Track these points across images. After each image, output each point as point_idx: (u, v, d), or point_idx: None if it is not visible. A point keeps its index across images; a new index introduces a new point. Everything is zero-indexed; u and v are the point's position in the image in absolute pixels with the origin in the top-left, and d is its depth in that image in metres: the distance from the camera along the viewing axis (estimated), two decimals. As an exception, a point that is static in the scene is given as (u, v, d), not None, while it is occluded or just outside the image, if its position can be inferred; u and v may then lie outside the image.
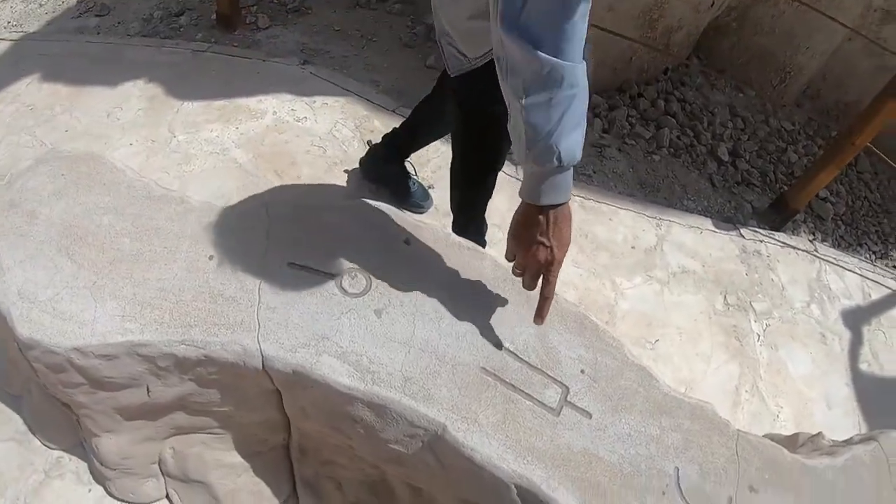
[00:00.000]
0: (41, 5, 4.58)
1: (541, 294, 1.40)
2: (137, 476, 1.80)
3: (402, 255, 1.66)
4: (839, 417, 2.78)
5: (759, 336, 2.76)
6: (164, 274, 1.56)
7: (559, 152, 1.14)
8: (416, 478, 1.62)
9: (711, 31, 4.14)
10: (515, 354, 1.55)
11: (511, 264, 1.43)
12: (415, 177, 2.66)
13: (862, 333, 3.26)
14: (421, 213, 2.62)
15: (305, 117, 3.05)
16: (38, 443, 1.91)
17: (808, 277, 3.22)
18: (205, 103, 3.05)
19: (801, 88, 4.29)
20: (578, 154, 1.17)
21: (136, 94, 3.11)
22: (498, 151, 1.93)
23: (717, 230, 3.02)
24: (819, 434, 1.97)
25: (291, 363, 1.44)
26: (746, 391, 2.55)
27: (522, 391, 1.50)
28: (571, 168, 1.21)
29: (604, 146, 3.26)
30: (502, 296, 1.64)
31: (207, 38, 3.59)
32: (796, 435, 2.08)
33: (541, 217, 1.26)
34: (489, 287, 1.64)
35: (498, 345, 1.56)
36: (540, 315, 1.44)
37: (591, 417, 1.51)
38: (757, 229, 3.22)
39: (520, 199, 1.29)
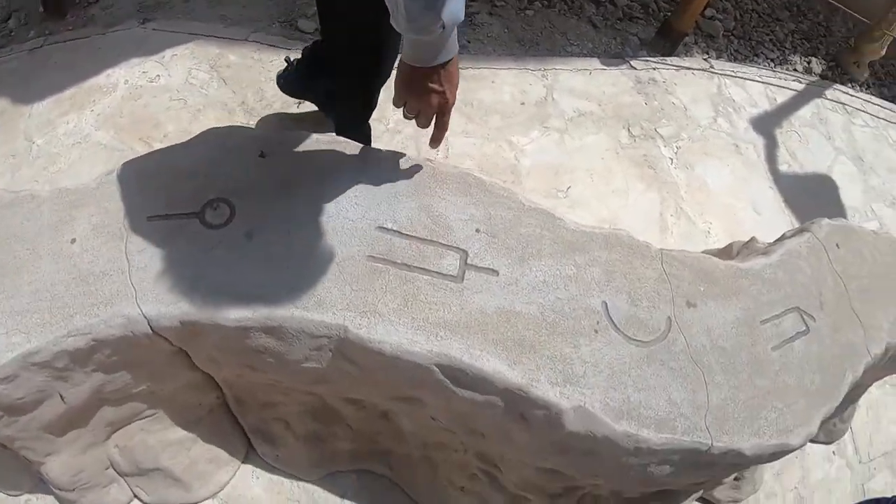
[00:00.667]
0: None
1: (435, 128, 1.38)
2: (98, 486, 1.68)
3: (260, 169, 1.51)
4: (770, 220, 2.74)
5: (671, 160, 2.66)
6: (33, 275, 1.42)
7: (442, 21, 1.09)
8: (344, 390, 1.52)
9: None
10: (400, 233, 1.42)
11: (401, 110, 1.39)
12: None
13: (775, 137, 3.21)
14: None
15: (158, 75, 2.79)
16: (3, 495, 1.79)
17: (709, 94, 3.13)
18: (54, 98, 2.75)
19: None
20: (461, 14, 1.12)
21: None
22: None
23: (606, 67, 2.88)
24: (752, 239, 1.93)
25: (176, 315, 1.31)
26: (671, 215, 2.46)
27: (418, 268, 1.38)
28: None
29: (473, 14, 3.06)
30: (371, 183, 1.50)
31: (41, 32, 3.25)
32: (730, 245, 2.03)
33: (432, 73, 1.24)
34: (356, 175, 1.50)
35: (380, 228, 1.42)
36: (436, 140, 1.40)
37: (498, 274, 1.40)
38: (648, 58, 3.09)
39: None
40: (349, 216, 1.43)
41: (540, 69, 2.72)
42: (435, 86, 1.26)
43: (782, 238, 1.85)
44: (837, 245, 1.89)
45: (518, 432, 1.36)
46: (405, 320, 1.30)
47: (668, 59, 3.16)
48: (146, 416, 1.64)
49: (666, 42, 3.27)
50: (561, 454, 1.38)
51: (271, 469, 1.81)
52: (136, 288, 1.34)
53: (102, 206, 1.48)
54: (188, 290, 1.33)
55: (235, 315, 1.29)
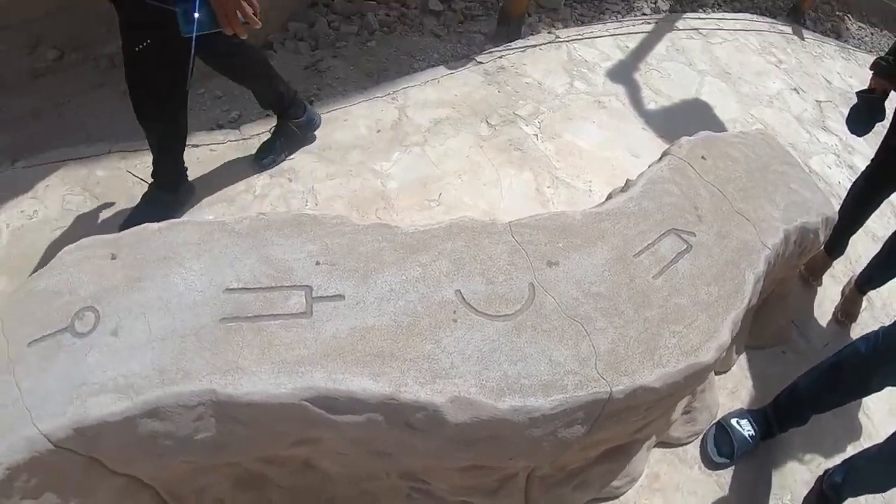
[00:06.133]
0: None
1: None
2: None
3: (114, 270, 1.56)
4: (649, 161, 2.80)
5: (536, 136, 2.74)
6: None
7: None
8: (249, 450, 1.53)
9: None
10: (246, 288, 1.47)
11: None
12: None
13: (636, 81, 3.31)
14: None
15: (35, 210, 2.81)
16: None
17: (560, 63, 3.22)
18: None
19: None
20: None
21: None
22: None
23: (453, 70, 2.97)
24: (627, 182, 1.94)
25: (68, 424, 1.34)
26: (549, 187, 2.53)
27: (268, 315, 1.43)
28: None
29: (317, 62, 3.14)
30: (212, 252, 1.56)
31: None
32: (609, 196, 2.05)
33: None
34: (197, 249, 1.57)
35: (227, 290, 1.48)
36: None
37: (344, 298, 1.44)
38: (491, 50, 3.19)
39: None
40: (197, 288, 1.47)
41: (388, 93, 2.79)
42: None
43: (645, 171, 1.88)
44: (703, 157, 1.94)
45: (413, 440, 1.39)
46: (266, 367, 1.34)
47: (513, 44, 3.26)
48: (87, 535, 1.65)
49: (509, 28, 3.38)
50: (466, 449, 1.41)
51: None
52: (30, 410, 1.37)
53: None
54: (73, 398, 1.36)
55: (117, 408, 1.32)
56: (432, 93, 2.81)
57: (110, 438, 1.39)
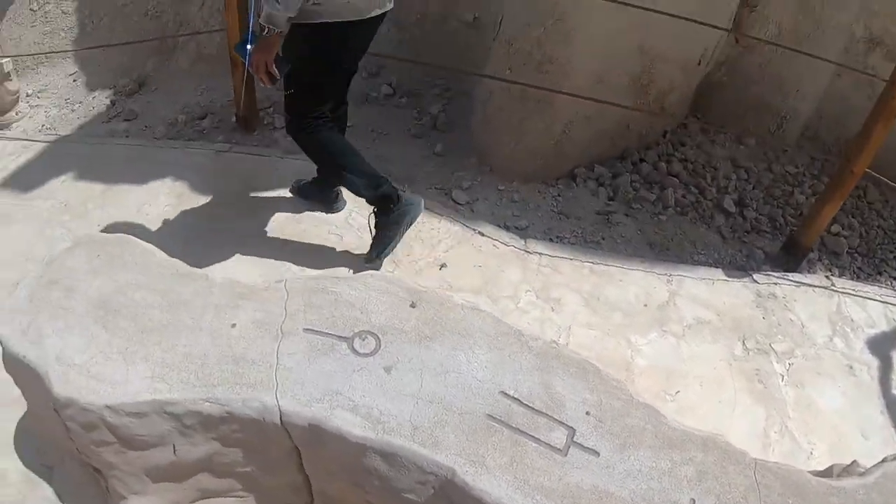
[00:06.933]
0: (73, 110, 5.04)
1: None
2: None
3: (409, 316, 1.83)
4: (877, 447, 2.79)
5: (782, 376, 2.82)
6: (191, 341, 1.74)
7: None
8: None
9: (705, 87, 4.32)
10: (520, 401, 1.69)
11: None
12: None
13: (891, 359, 3.29)
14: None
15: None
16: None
17: (827, 312, 3.28)
18: (232, 199, 3.32)
19: (800, 131, 4.41)
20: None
21: (165, 192, 3.41)
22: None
23: (729, 279, 3.13)
24: (853, 462, 1.98)
25: (307, 416, 1.59)
26: (775, 432, 2.61)
27: (529, 434, 1.63)
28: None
29: (610, 213, 3.42)
30: (502, 352, 1.78)
31: (229, 139, 3.92)
32: (830, 468, 2.07)
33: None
34: (491, 342, 1.79)
35: (503, 393, 1.70)
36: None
37: (599, 456, 1.62)
38: (770, 273, 3.31)
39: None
40: (477, 376, 1.71)
41: (666, 274, 3.01)
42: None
43: (882, 461, 1.91)
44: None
45: None
46: (508, 478, 1.54)
47: (790, 275, 3.36)
48: (237, 496, 1.88)
49: (790, 257, 3.49)
50: None
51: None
52: (279, 383, 1.63)
53: (267, 305, 1.82)
54: (323, 399, 1.61)
55: (360, 433, 1.55)
56: (704, 291, 2.99)
57: (333, 450, 1.61)
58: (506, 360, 1.77)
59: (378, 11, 2.45)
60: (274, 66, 2.38)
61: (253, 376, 1.66)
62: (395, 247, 2.81)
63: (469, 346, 1.78)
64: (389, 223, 2.74)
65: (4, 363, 1.83)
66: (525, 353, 1.81)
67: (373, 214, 2.79)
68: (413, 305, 1.89)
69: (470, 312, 1.91)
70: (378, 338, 1.76)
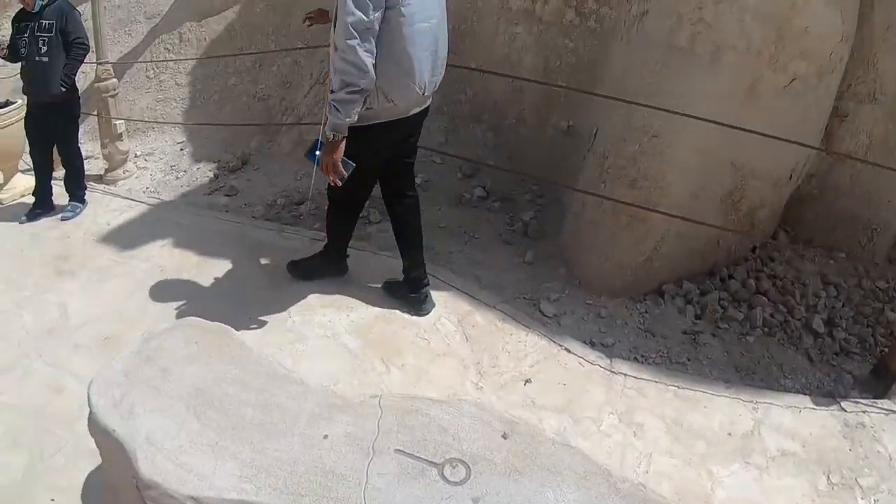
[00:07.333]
0: (177, 177, 5.48)
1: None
2: None
3: (500, 447, 1.92)
4: None
5: (867, 513, 2.84)
6: (282, 445, 1.81)
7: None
8: None
9: (794, 202, 4.39)
10: None
11: None
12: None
13: None
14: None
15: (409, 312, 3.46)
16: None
17: (919, 446, 3.26)
18: (321, 290, 3.56)
19: (891, 243, 4.41)
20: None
21: (257, 273, 3.69)
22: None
23: (816, 407, 3.18)
24: None
25: None
26: (858, 572, 2.63)
27: None
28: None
29: (697, 333, 3.53)
30: (593, 488, 1.87)
31: (324, 227, 4.15)
32: None
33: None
34: (579, 479, 1.89)
35: None
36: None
37: None
38: (858, 400, 3.33)
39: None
40: None
41: (752, 401, 3.09)
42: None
43: None
44: None
45: None
46: None
47: (879, 402, 3.37)
48: None
49: (880, 382, 3.49)
50: None
51: None
52: (367, 502, 1.67)
53: (360, 421, 1.88)
54: None
55: None
56: (790, 420, 3.05)
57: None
58: (593, 502, 1.86)
59: (416, 110, 3.05)
60: (340, 166, 2.82)
61: (342, 492, 1.70)
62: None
63: (557, 484, 1.86)
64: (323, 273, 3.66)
65: (90, 427, 1.92)
66: (612, 495, 1.90)
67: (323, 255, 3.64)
68: (505, 436, 1.99)
69: (560, 448, 2.02)
70: (468, 467, 1.83)
